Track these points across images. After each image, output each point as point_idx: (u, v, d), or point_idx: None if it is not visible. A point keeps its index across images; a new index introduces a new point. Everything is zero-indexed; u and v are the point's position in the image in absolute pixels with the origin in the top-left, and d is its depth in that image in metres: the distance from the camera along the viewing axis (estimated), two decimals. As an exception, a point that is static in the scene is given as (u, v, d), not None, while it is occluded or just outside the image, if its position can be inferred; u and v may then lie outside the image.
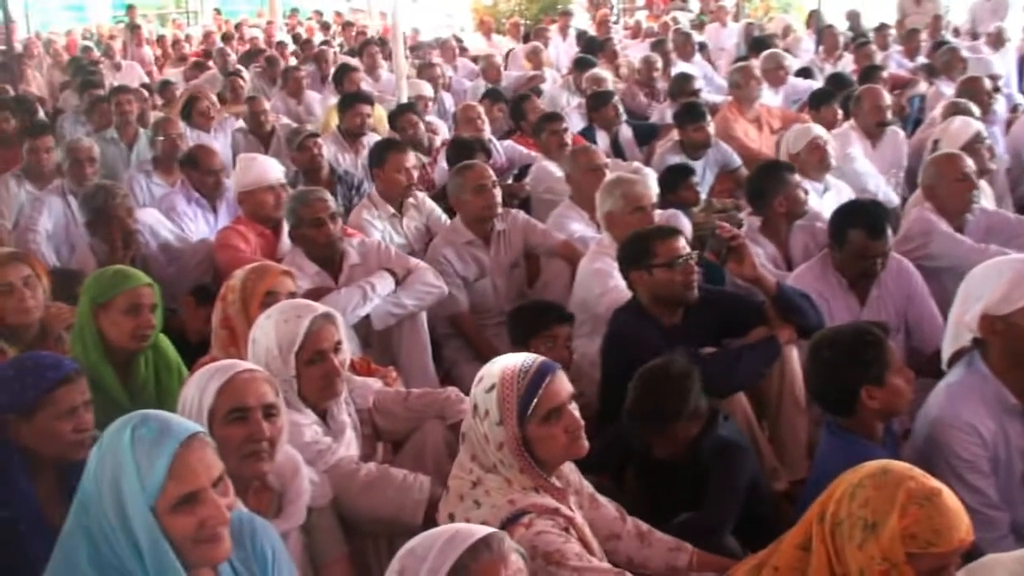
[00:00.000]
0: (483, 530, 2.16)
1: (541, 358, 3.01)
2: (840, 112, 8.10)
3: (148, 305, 4.05)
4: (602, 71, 10.58)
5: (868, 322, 3.62)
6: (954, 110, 7.20)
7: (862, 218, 4.73)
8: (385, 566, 3.27)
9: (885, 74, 9.61)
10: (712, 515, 3.51)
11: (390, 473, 3.40)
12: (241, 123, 9.35)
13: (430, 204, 6.48)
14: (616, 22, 18.74)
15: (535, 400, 2.88)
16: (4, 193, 7.23)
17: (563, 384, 2.97)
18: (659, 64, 10.98)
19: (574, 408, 2.98)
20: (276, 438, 2.96)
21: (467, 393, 4.17)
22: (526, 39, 15.85)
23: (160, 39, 19.27)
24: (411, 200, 6.38)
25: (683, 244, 4.35)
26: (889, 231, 4.73)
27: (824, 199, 6.19)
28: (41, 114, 10.73)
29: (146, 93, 10.90)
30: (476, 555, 2.10)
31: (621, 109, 8.80)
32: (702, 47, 12.99)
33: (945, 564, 2.27)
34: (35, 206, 6.63)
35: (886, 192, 6.96)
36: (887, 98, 7.61)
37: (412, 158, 6.45)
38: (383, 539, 3.41)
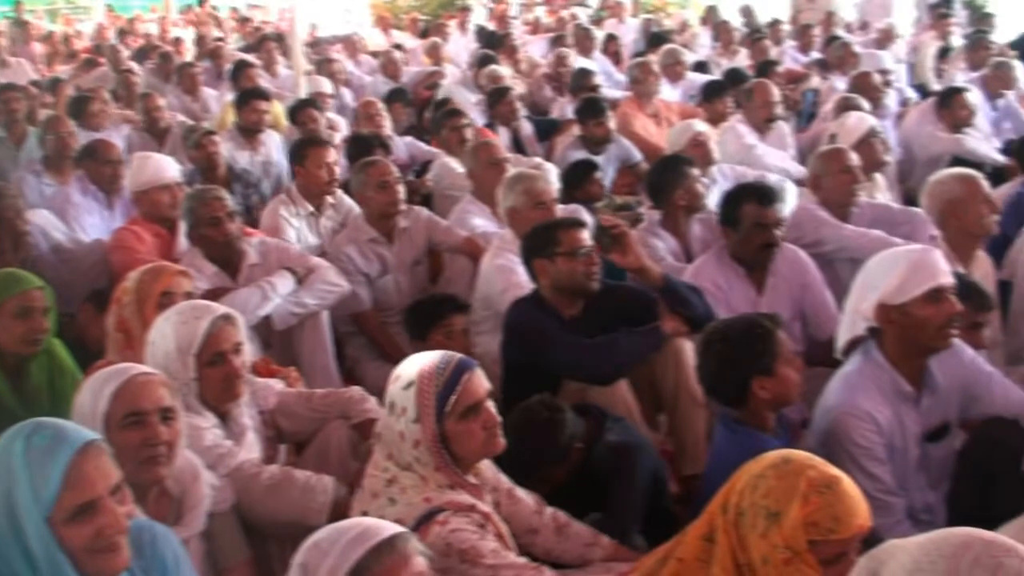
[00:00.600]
0: (390, 529, 2.14)
1: (460, 356, 3.01)
2: (733, 105, 8.25)
3: (40, 308, 3.96)
4: (500, 68, 10.59)
5: (760, 314, 3.67)
6: (845, 105, 7.37)
7: (751, 191, 4.92)
8: (289, 570, 3.26)
9: (780, 68, 9.79)
10: (616, 519, 3.50)
11: (293, 475, 3.35)
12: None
13: (348, 202, 6.38)
14: (516, 17, 18.75)
15: (453, 396, 2.89)
16: None
17: (481, 381, 2.98)
18: (569, 58, 10.99)
19: (491, 405, 2.98)
20: (174, 442, 2.91)
21: (371, 392, 4.18)
22: (424, 35, 15.80)
23: (49, 35, 18.77)
24: (330, 199, 6.30)
25: (586, 235, 4.36)
26: (781, 203, 4.88)
27: (710, 194, 6.26)
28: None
29: (35, 91, 10.59)
30: (379, 556, 2.08)
31: (519, 105, 8.81)
32: (611, 38, 13.04)
33: (845, 550, 2.31)
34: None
35: (793, 167, 7.20)
36: (776, 94, 7.77)
37: (333, 154, 6.37)
38: (288, 542, 3.34)
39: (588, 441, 3.67)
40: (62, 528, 2.19)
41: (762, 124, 7.55)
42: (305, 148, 6.35)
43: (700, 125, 6.82)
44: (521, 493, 3.34)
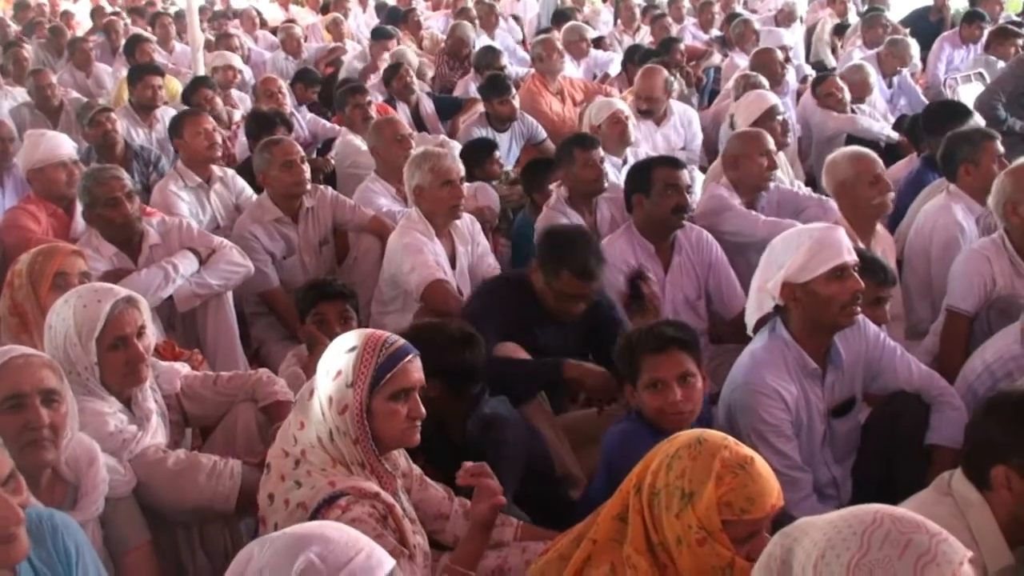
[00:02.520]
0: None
1: (403, 340, 2.96)
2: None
3: None
4: (402, 44, 10.50)
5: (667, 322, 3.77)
6: (745, 83, 7.44)
7: (659, 158, 5.22)
8: (197, 554, 3.22)
9: (681, 46, 9.85)
10: None
11: (199, 460, 3.28)
12: (24, 98, 8.87)
13: (241, 183, 6.31)
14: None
15: (391, 373, 2.85)
16: None
17: (418, 370, 2.94)
18: (470, 35, 10.91)
19: (419, 400, 2.95)
20: (59, 425, 2.83)
21: (277, 373, 4.12)
22: (324, 10, 15.58)
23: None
24: (218, 173, 6.22)
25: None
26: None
27: (624, 173, 6.29)
28: None
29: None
30: None
31: (413, 79, 8.73)
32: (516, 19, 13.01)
33: (758, 529, 2.33)
34: None
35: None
36: (656, 87, 7.51)
37: (210, 120, 6.32)
38: (195, 526, 3.31)
39: (466, 414, 3.67)
40: None
41: (639, 115, 7.40)
42: (181, 120, 6.35)
43: (620, 103, 6.81)
44: (431, 482, 3.32)
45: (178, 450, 3.38)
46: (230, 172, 6.38)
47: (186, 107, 8.01)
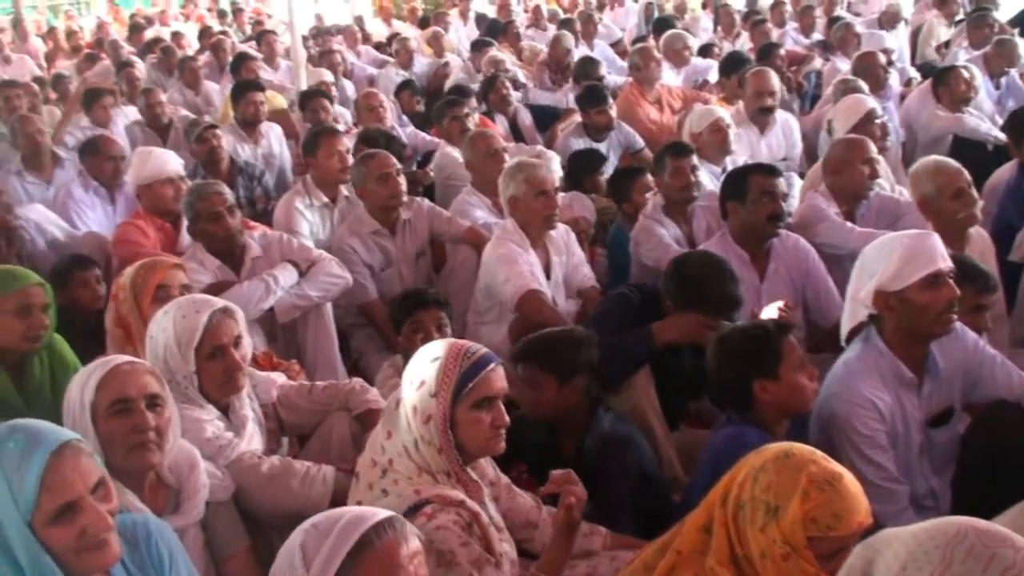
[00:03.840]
0: (385, 512, 2.16)
1: (487, 349, 3.01)
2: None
3: (39, 305, 3.95)
4: (499, 52, 10.54)
5: (772, 321, 3.68)
6: (843, 88, 7.31)
7: (755, 166, 5.10)
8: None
9: (782, 51, 9.74)
10: (606, 506, 3.46)
11: (293, 466, 3.37)
12: (136, 116, 9.13)
13: None
14: (518, 3, 18.65)
15: (473, 382, 2.88)
16: None
17: (501, 379, 2.98)
18: (571, 46, 10.92)
19: (502, 407, 2.98)
20: (163, 429, 2.91)
21: (375, 384, 4.18)
22: (424, 24, 15.75)
23: (51, 31, 18.75)
24: (344, 192, 6.29)
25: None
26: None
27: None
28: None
29: (37, 87, 10.59)
30: (380, 533, 2.09)
31: (510, 91, 8.77)
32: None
33: (845, 546, 2.28)
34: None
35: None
36: (773, 82, 7.41)
37: (344, 142, 6.36)
38: (289, 532, 3.35)
39: (583, 430, 3.68)
40: (45, 531, 2.19)
41: (757, 116, 7.29)
42: (316, 139, 6.35)
43: (721, 111, 6.75)
44: (519, 490, 3.34)
45: (272, 456, 3.46)
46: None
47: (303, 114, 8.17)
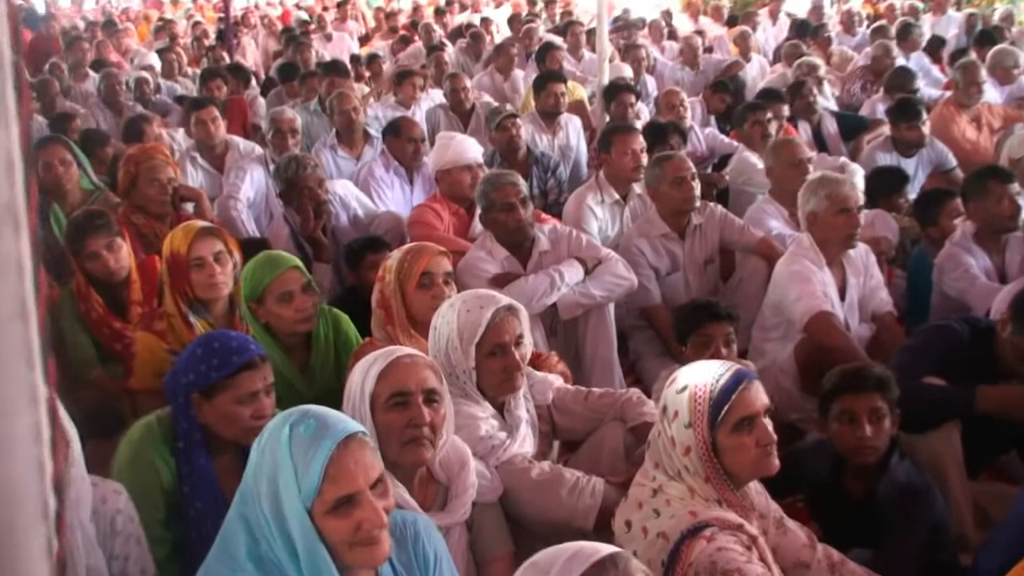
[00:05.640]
0: (608, 548, 2.05)
1: (737, 365, 2.89)
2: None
3: (298, 288, 4.03)
4: (814, 58, 10.18)
5: None
6: None
7: None
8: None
9: None
10: (891, 561, 3.25)
11: (563, 474, 3.29)
12: (441, 99, 9.37)
13: None
14: (832, 5, 18.00)
15: (727, 406, 2.78)
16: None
17: (758, 395, 2.85)
18: (894, 52, 10.44)
19: (768, 422, 2.84)
20: (438, 425, 2.91)
21: (650, 391, 4.09)
22: (731, 22, 15.45)
23: (376, 10, 19.62)
24: (637, 189, 6.23)
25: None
26: None
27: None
28: (254, 83, 11.10)
29: (351, 69, 11.05)
30: (601, 572, 1.98)
31: (816, 97, 8.45)
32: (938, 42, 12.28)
33: None
34: (238, 174, 6.78)
35: None
36: None
37: (640, 140, 6.29)
38: (554, 540, 3.31)
39: (874, 473, 3.46)
40: (322, 520, 2.21)
41: None
42: (612, 135, 6.32)
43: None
44: (792, 524, 3.16)
45: (543, 462, 3.41)
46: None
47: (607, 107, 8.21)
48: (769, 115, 7.38)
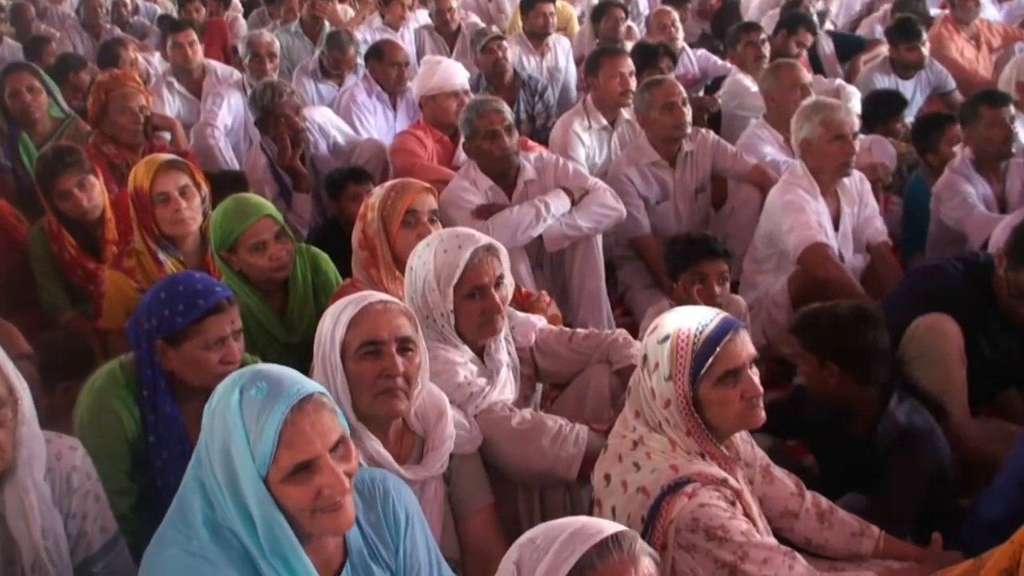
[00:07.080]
0: (612, 527, 1.90)
1: (724, 314, 2.75)
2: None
3: (271, 237, 3.81)
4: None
5: None
6: None
7: None
8: (535, 519, 3.12)
9: None
10: (888, 506, 3.15)
11: (545, 422, 3.13)
12: (426, 20, 9.11)
13: None
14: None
15: (711, 359, 2.63)
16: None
17: (744, 345, 2.70)
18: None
19: (754, 373, 2.70)
20: (412, 375, 2.76)
21: (638, 323, 3.96)
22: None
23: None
24: (625, 116, 6.05)
25: None
26: None
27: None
28: (237, 2, 10.82)
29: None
30: (604, 554, 1.84)
31: (813, 16, 8.21)
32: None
33: None
34: (215, 100, 6.59)
35: None
36: None
37: (628, 63, 6.09)
38: (535, 491, 3.20)
39: (874, 411, 3.33)
40: (279, 488, 2.08)
41: None
42: (599, 58, 6.13)
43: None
44: (779, 472, 3.04)
45: (524, 410, 3.25)
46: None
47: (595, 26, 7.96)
48: (763, 36, 7.17)
